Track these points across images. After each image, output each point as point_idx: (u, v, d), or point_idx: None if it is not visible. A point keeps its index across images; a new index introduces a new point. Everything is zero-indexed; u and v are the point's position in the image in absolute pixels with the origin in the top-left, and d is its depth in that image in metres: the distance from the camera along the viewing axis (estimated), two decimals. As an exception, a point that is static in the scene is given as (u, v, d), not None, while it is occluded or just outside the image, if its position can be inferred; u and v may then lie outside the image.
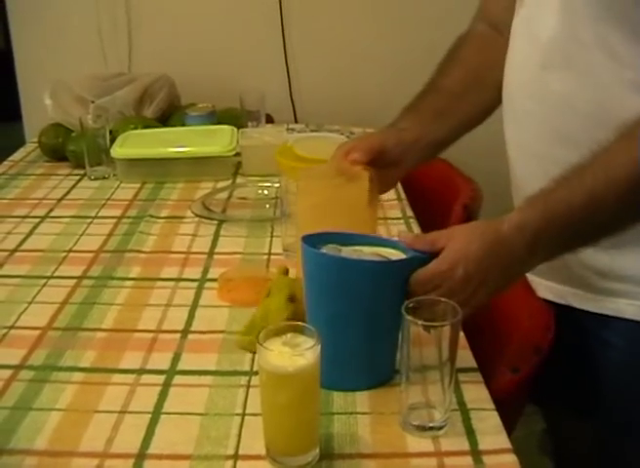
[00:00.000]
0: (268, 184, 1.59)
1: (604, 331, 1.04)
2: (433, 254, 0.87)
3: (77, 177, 1.72)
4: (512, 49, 1.07)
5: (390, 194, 1.45)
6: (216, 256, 1.30)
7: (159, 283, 1.21)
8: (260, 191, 1.59)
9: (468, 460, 0.80)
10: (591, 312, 1.05)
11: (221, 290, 1.17)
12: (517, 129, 1.08)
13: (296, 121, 2.21)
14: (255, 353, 0.96)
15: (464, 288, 0.86)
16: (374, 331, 0.89)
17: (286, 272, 1.06)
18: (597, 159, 0.86)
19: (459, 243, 0.87)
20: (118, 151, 1.68)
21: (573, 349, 1.10)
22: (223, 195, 1.59)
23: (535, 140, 1.03)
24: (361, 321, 0.89)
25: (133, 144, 1.72)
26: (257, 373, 0.81)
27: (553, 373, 1.08)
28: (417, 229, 1.39)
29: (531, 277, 1.10)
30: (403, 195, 1.55)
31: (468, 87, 1.17)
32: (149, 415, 0.88)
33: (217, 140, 1.72)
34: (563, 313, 1.05)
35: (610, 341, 1.04)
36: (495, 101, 1.16)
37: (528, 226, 0.87)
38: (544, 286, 1.10)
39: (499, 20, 1.16)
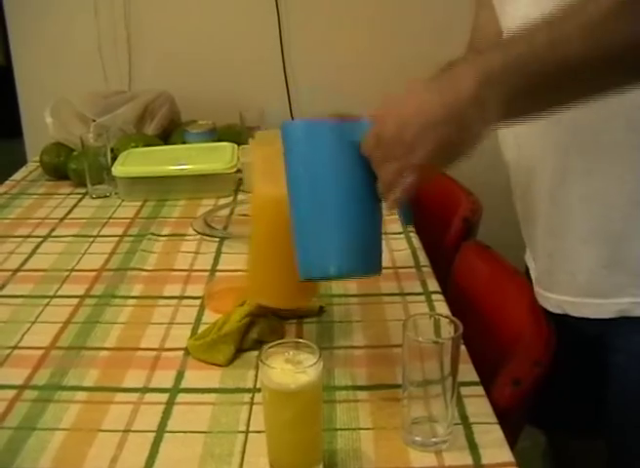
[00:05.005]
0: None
1: (607, 337, 1.03)
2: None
3: (79, 196, 1.73)
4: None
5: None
6: (218, 274, 1.31)
7: (162, 301, 1.21)
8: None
9: (472, 474, 0.81)
10: (590, 319, 1.03)
11: (208, 298, 1.20)
12: None
13: (296, 136, 2.21)
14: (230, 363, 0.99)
15: (400, 138, 0.78)
16: (351, 206, 0.86)
17: None
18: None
19: (394, 96, 0.80)
20: (119, 169, 1.69)
21: (576, 361, 1.09)
22: (225, 212, 1.60)
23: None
24: (337, 194, 0.85)
25: (134, 162, 1.73)
26: (260, 391, 0.81)
27: (556, 394, 1.07)
28: (417, 243, 1.40)
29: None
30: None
31: None
32: (153, 434, 0.88)
33: (218, 157, 1.73)
34: (562, 325, 1.05)
35: (615, 346, 1.03)
36: None
37: (478, 61, 0.76)
38: (543, 297, 1.11)
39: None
